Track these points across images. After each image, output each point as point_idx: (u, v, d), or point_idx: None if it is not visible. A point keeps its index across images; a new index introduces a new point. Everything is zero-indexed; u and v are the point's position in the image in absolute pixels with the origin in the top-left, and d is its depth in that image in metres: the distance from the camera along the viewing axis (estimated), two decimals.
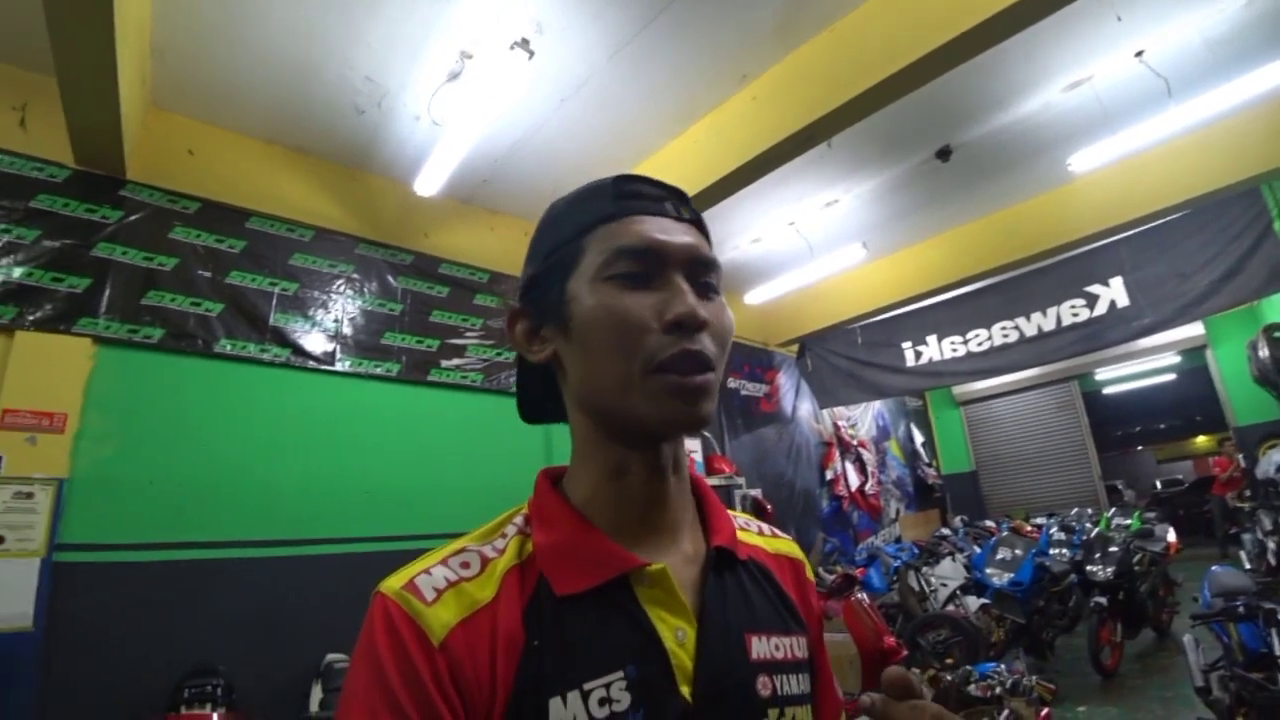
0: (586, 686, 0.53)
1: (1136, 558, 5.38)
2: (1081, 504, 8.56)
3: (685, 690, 0.56)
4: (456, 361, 4.94)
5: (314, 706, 3.25)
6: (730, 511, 0.74)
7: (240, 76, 3.75)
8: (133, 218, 3.69)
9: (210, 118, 4.06)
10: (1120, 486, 10.64)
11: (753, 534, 0.77)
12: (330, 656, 3.54)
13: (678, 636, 0.58)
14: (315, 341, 4.28)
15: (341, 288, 4.51)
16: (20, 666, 2.91)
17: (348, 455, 4.20)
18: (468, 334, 5.07)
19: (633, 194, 0.64)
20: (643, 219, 0.62)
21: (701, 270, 0.62)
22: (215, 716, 2.73)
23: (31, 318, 3.30)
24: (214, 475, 3.66)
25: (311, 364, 4.23)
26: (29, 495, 3.09)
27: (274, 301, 4.15)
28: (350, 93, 3.96)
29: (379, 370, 4.53)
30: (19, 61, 3.39)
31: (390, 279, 4.78)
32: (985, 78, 4.37)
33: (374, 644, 0.52)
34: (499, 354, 5.16)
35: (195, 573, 3.46)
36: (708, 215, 4.99)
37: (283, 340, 4.13)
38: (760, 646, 0.63)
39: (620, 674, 0.54)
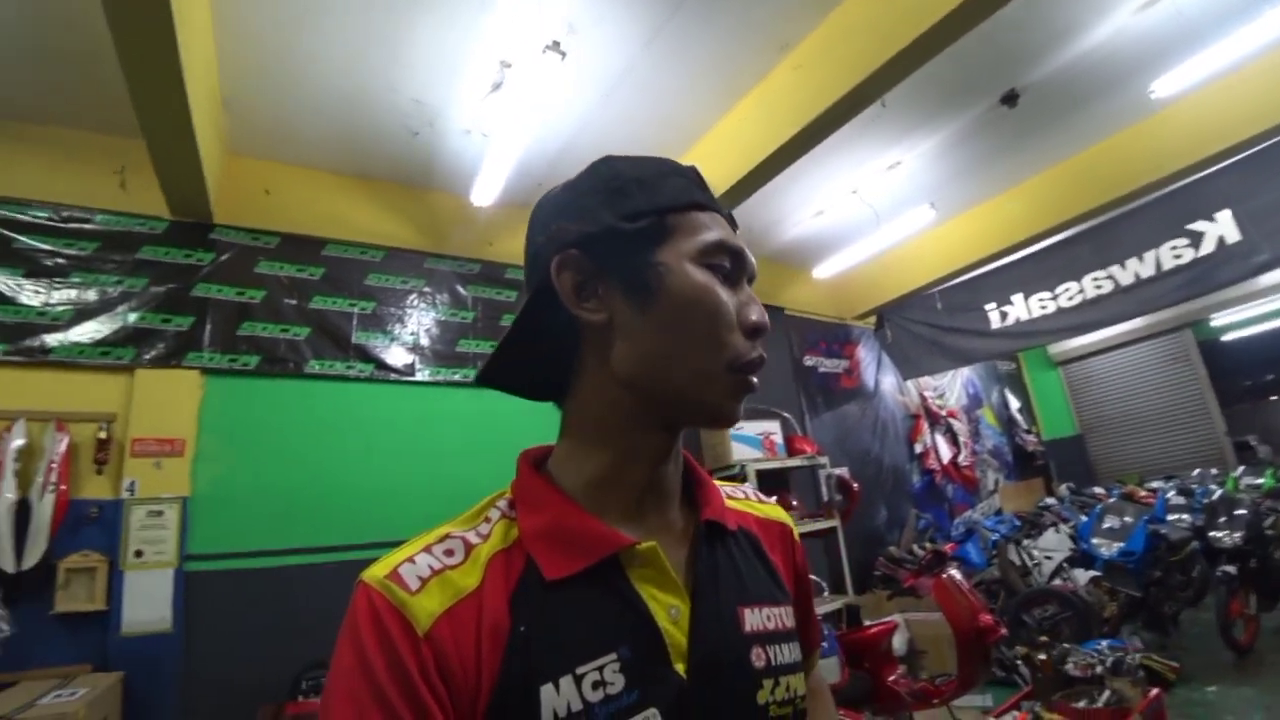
0: (579, 670, 0.53)
1: (1269, 520, 4.89)
2: (1205, 464, 7.82)
3: (680, 668, 0.56)
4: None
5: None
6: (718, 482, 0.74)
7: (300, 116, 4.02)
8: (223, 257, 4.04)
9: (280, 157, 4.38)
10: (1254, 443, 9.61)
11: (739, 500, 0.77)
12: None
13: (671, 614, 0.58)
14: (396, 355, 4.53)
15: (415, 301, 4.75)
16: (165, 663, 3.28)
17: (433, 459, 4.44)
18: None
19: (708, 189, 0.68)
20: (724, 222, 0.66)
21: (753, 283, 0.67)
22: None
23: (148, 356, 3.68)
24: (313, 486, 3.96)
25: (394, 376, 4.48)
26: (159, 514, 3.47)
27: (354, 321, 4.43)
28: (401, 116, 4.16)
29: (456, 376, 4.74)
30: (114, 130, 3.77)
31: (460, 289, 4.99)
32: (1047, 9, 4.04)
33: (358, 634, 0.52)
34: None
35: (303, 575, 3.77)
36: (764, 193, 4.98)
37: (366, 356, 4.40)
38: (753, 618, 0.63)
39: (613, 655, 0.54)
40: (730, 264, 0.63)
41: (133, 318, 3.70)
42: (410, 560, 0.57)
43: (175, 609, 3.36)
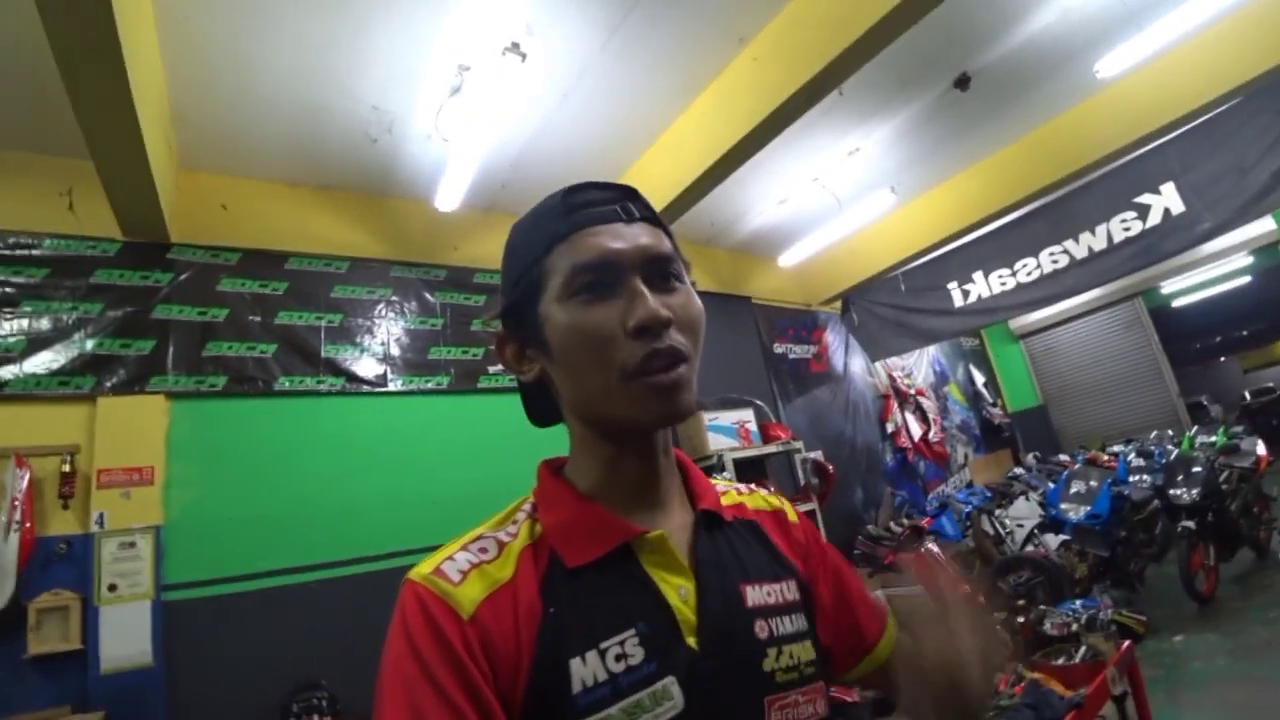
0: (603, 645, 0.59)
1: (1223, 475, 5.13)
2: (1161, 426, 8.15)
3: (692, 641, 0.62)
4: (502, 366, 5.06)
5: None
6: (711, 480, 0.80)
7: (256, 127, 3.91)
8: (182, 277, 3.92)
9: (236, 171, 4.26)
10: (1205, 402, 10.07)
11: (734, 494, 0.83)
12: None
13: (680, 594, 0.64)
14: (367, 366, 4.46)
15: (383, 311, 4.68)
16: (148, 698, 3.19)
17: (411, 470, 4.39)
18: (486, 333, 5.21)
19: (581, 204, 0.67)
20: (593, 230, 0.65)
21: (660, 265, 0.66)
22: None
23: (109, 383, 3.56)
24: (291, 505, 3.89)
25: (366, 388, 4.42)
26: (132, 545, 3.37)
27: (322, 334, 4.35)
28: (360, 124, 4.08)
29: (430, 385, 4.69)
30: (60, 151, 3.62)
31: (428, 296, 4.93)
32: None
33: (407, 624, 0.57)
34: None
35: (286, 597, 3.70)
36: (727, 184, 5.01)
37: (336, 370, 4.33)
38: (754, 594, 0.69)
39: (633, 631, 0.60)
40: (598, 277, 0.63)
41: (90, 344, 3.57)
42: (450, 558, 0.63)
43: (155, 642, 3.27)
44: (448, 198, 4.59)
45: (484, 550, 0.64)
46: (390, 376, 4.55)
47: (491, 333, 0.75)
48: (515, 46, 3.35)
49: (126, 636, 3.22)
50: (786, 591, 0.72)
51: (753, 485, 0.88)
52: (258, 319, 4.13)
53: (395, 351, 4.63)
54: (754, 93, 4.20)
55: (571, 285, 0.64)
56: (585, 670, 0.57)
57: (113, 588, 3.25)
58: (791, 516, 0.86)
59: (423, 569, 0.61)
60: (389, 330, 4.65)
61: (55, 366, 3.45)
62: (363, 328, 4.54)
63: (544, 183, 4.66)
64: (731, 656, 0.64)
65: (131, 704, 3.12)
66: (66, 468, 3.31)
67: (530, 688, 0.56)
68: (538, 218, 0.70)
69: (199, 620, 3.45)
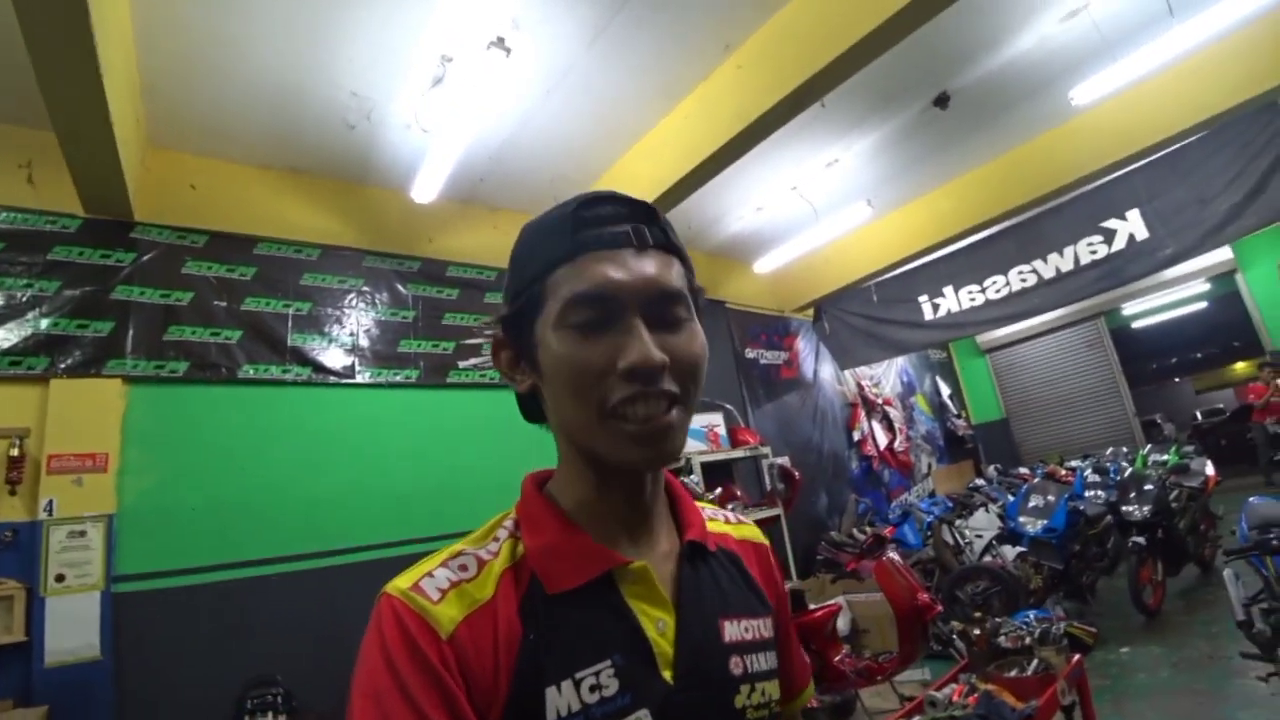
0: (578, 675, 0.58)
1: (1173, 494, 5.30)
2: (1118, 443, 8.41)
3: (667, 674, 0.62)
4: (473, 361, 5.02)
5: None
6: (698, 503, 0.79)
7: (229, 106, 3.81)
8: (146, 258, 3.81)
9: (207, 150, 4.14)
10: (1159, 420, 10.42)
11: (720, 523, 0.82)
12: None
13: (658, 627, 0.64)
14: (334, 357, 4.38)
15: (353, 301, 4.59)
16: (96, 693, 3.10)
17: (378, 463, 4.32)
18: (481, 333, 5.14)
19: (592, 221, 0.63)
20: (599, 255, 0.62)
21: (664, 304, 0.63)
22: None
23: (63, 365, 3.43)
24: (252, 496, 3.80)
25: (333, 379, 4.34)
26: (82, 533, 3.26)
27: (290, 322, 4.26)
28: (339, 109, 4.00)
29: (399, 378, 4.63)
30: (20, 120, 3.49)
31: (400, 287, 4.86)
32: (978, 17, 4.24)
33: (383, 638, 0.56)
34: None
35: (244, 590, 3.62)
36: (706, 189, 5.02)
37: (303, 359, 4.24)
38: (732, 630, 0.69)
39: (608, 663, 0.59)
40: (595, 311, 0.61)
41: (45, 324, 3.44)
42: (429, 574, 0.61)
43: (104, 634, 3.17)
44: (425, 189, 4.53)
45: (464, 568, 0.62)
46: (358, 368, 4.47)
47: (489, 334, 0.72)
48: (500, 41, 3.31)
49: (74, 629, 3.11)
50: (763, 629, 0.73)
51: (741, 517, 0.87)
52: (223, 304, 4.02)
53: (364, 343, 4.55)
54: (737, 100, 4.22)
55: (567, 315, 0.61)
56: (560, 700, 0.57)
57: (60, 578, 3.14)
58: (771, 556, 0.85)
59: (400, 583, 0.60)
60: (359, 321, 4.58)
61: (6, 345, 3.32)
62: (332, 317, 4.46)
63: (523, 178, 4.65)
64: (705, 692, 0.63)
65: (77, 698, 3.02)
66: (15, 452, 3.19)
67: (506, 713, 0.56)
68: (546, 228, 0.66)
69: (151, 613, 3.35)
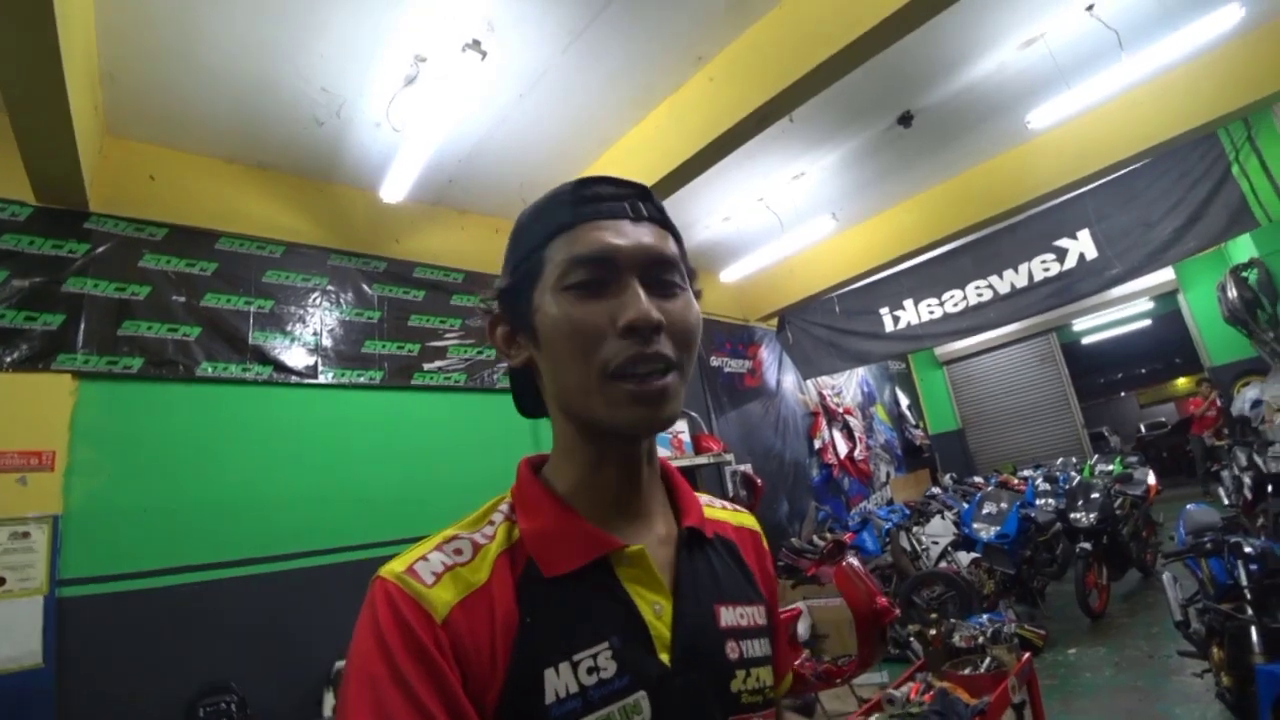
0: (576, 658, 0.58)
1: (1118, 502, 5.55)
2: (1067, 453, 8.74)
3: (664, 657, 0.62)
4: (439, 364, 4.98)
5: (327, 712, 3.33)
6: (696, 493, 0.80)
7: (194, 96, 3.72)
8: (100, 249, 3.68)
9: (168, 141, 4.03)
10: (1106, 433, 10.86)
11: (717, 510, 0.83)
12: (340, 664, 3.62)
13: (655, 610, 0.64)
14: (296, 356, 4.30)
15: (318, 300, 4.52)
16: (35, 702, 2.96)
17: (339, 466, 4.24)
18: (447, 335, 5.10)
19: (591, 198, 0.66)
20: (598, 224, 0.64)
21: (660, 269, 0.64)
22: None
23: (9, 359, 3.30)
24: (207, 497, 3.70)
25: (294, 379, 4.25)
26: (25, 535, 3.12)
27: (251, 320, 4.16)
28: (308, 105, 3.95)
29: (362, 379, 4.55)
30: None
31: (365, 288, 4.79)
32: (941, 41, 4.40)
33: (377, 622, 0.55)
34: (480, 353, 5.20)
35: (198, 595, 3.51)
36: (675, 198, 5.07)
37: (264, 358, 4.15)
38: (728, 615, 0.70)
39: (606, 645, 0.60)
40: (595, 272, 0.62)
41: None
42: (424, 558, 0.61)
43: (47, 641, 3.03)
44: (394, 189, 4.48)
45: (458, 552, 0.62)
46: (321, 368, 4.39)
47: (485, 309, 0.73)
48: (476, 44, 3.32)
49: (13, 635, 2.97)
50: (757, 616, 0.73)
51: (736, 505, 0.88)
52: (182, 299, 3.91)
53: (327, 342, 4.47)
54: (708, 112, 4.29)
55: (566, 276, 0.63)
56: (559, 681, 0.57)
57: (0, 581, 3.01)
58: (765, 544, 0.86)
59: (394, 567, 0.59)
60: (322, 320, 4.50)
61: None
62: (295, 316, 4.37)
63: (493, 181, 4.64)
64: (702, 675, 0.64)
65: (15, 708, 2.88)
66: None
67: (504, 696, 0.56)
68: (546, 205, 0.68)
69: (98, 618, 3.22)
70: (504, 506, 0.69)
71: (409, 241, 5.09)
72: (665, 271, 0.65)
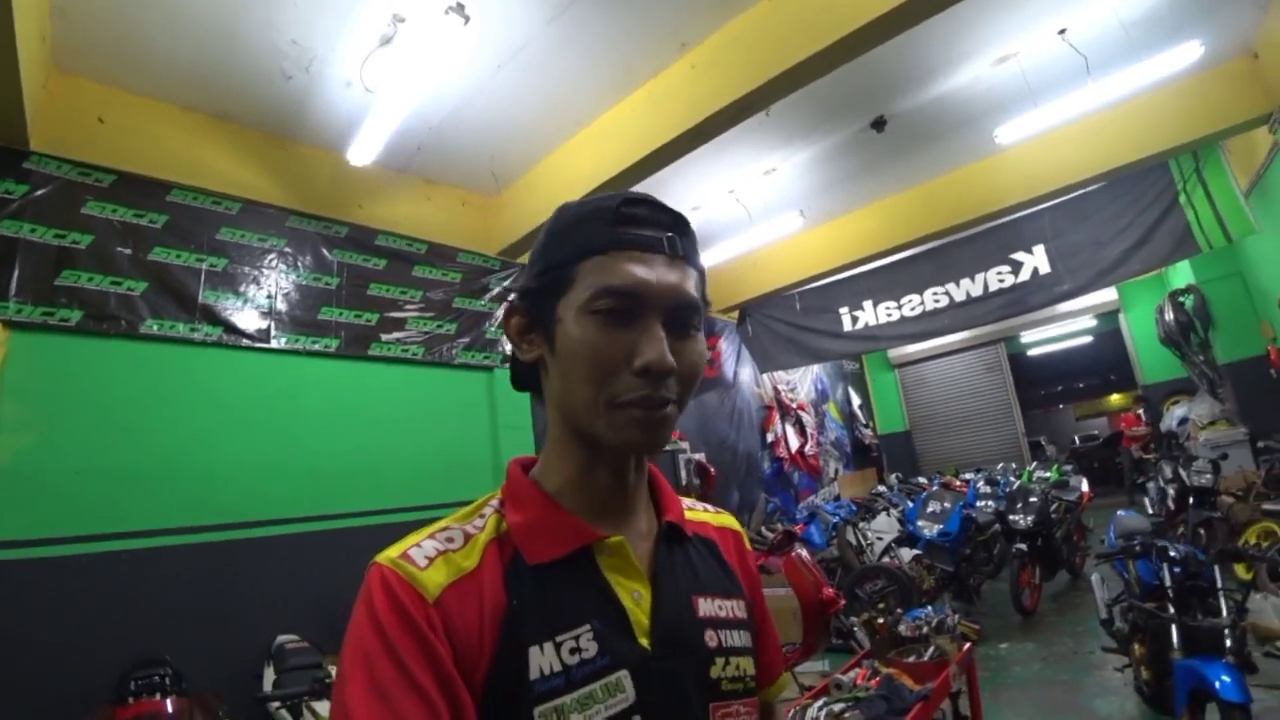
0: (559, 638, 0.61)
1: (1054, 506, 5.80)
2: (1007, 459, 9.10)
3: (644, 641, 0.65)
4: (397, 335, 4.86)
5: (267, 687, 3.23)
6: (679, 496, 0.82)
7: (151, 36, 3.52)
8: (40, 192, 3.45)
9: (121, 82, 3.80)
10: (1043, 442, 11.32)
11: (699, 512, 0.86)
12: (281, 638, 3.51)
13: (634, 597, 0.67)
14: (248, 319, 4.14)
15: (274, 262, 4.35)
16: None
17: (288, 435, 4.12)
18: (407, 307, 4.98)
19: (631, 220, 0.66)
20: (633, 255, 0.65)
21: (683, 312, 0.66)
22: (168, 704, 2.67)
23: None
24: (146, 461, 3.54)
25: (245, 342, 4.09)
26: None
27: (202, 278, 3.99)
28: (275, 57, 3.78)
29: (317, 346, 4.42)
30: None
31: (325, 252, 4.64)
32: (920, 50, 4.49)
33: (371, 602, 0.58)
34: (440, 326, 5.10)
35: (132, 563, 3.36)
36: (647, 184, 5.04)
37: (214, 318, 3.98)
38: (706, 606, 0.72)
39: (587, 627, 0.62)
40: (622, 306, 0.64)
41: None
42: (417, 545, 0.64)
43: None
44: (361, 152, 4.33)
45: (450, 540, 0.65)
46: (274, 332, 4.24)
47: (508, 300, 0.74)
48: (460, 7, 3.22)
49: None
50: (737, 609, 0.75)
51: (719, 508, 0.91)
52: (128, 251, 3.71)
53: (282, 306, 4.32)
54: (687, 99, 4.27)
55: (595, 302, 0.64)
56: (543, 659, 0.60)
57: None
58: (747, 544, 0.89)
59: (389, 553, 0.62)
60: (278, 283, 4.34)
61: None
62: (249, 276, 4.20)
63: (463, 152, 4.53)
64: (681, 659, 0.66)
65: None
66: None
67: (491, 674, 0.59)
68: (587, 216, 0.68)
69: (22, 584, 3.04)
70: (494, 502, 0.72)
71: (373, 208, 4.94)
72: (686, 314, 0.67)
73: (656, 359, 0.62)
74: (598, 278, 0.64)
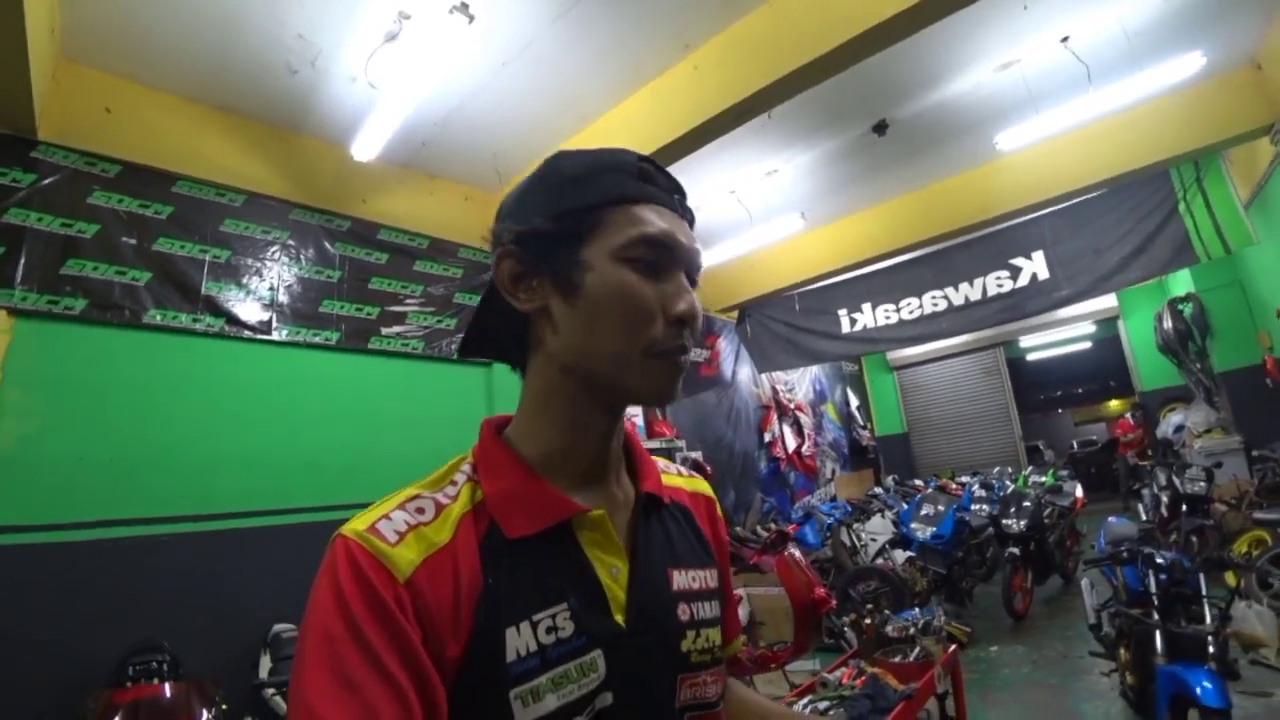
0: (535, 618, 0.60)
1: (1047, 511, 5.83)
2: (1004, 463, 9.12)
3: (619, 618, 0.65)
4: (397, 329, 4.90)
5: (263, 674, 3.28)
6: (654, 458, 0.82)
7: (160, 28, 3.54)
8: (47, 181, 3.49)
9: (128, 72, 3.83)
10: (1041, 447, 11.36)
11: (673, 475, 0.86)
12: (278, 627, 3.56)
13: (612, 573, 0.66)
14: (250, 310, 4.17)
15: (276, 254, 4.38)
16: None
17: (287, 426, 4.15)
18: (408, 301, 5.01)
19: (649, 178, 0.68)
20: (661, 210, 0.67)
21: (697, 269, 0.70)
22: (166, 688, 2.71)
23: None
24: (147, 449, 3.57)
25: (247, 333, 4.13)
26: None
27: (205, 269, 4.02)
28: (282, 50, 3.81)
29: (317, 339, 4.45)
30: None
31: (327, 245, 4.67)
32: (923, 55, 4.50)
33: (337, 580, 0.54)
34: (440, 321, 5.13)
35: (133, 550, 3.40)
36: None
37: (216, 309, 4.01)
38: (680, 579, 0.73)
39: (564, 606, 0.61)
40: (655, 256, 0.65)
41: None
42: (386, 517, 0.60)
43: None
44: (365, 147, 4.36)
45: (420, 511, 0.62)
46: (275, 324, 4.27)
47: (500, 245, 0.69)
48: (464, 6, 3.25)
49: None
50: (709, 579, 0.76)
51: (692, 471, 0.92)
52: (133, 241, 3.75)
53: (284, 299, 4.35)
54: (690, 100, 4.30)
55: (631, 250, 0.64)
56: (520, 640, 0.58)
57: None
58: (719, 511, 0.91)
59: (356, 525, 0.59)
60: (280, 275, 4.37)
61: None
62: (251, 268, 4.23)
63: (466, 149, 4.56)
64: (654, 635, 0.67)
65: None
66: None
67: (466, 655, 0.57)
68: (605, 167, 0.68)
69: (24, 570, 3.08)
70: (465, 467, 0.69)
71: (375, 202, 4.97)
72: (696, 271, 0.70)
73: (692, 309, 0.65)
74: (634, 227, 0.65)
